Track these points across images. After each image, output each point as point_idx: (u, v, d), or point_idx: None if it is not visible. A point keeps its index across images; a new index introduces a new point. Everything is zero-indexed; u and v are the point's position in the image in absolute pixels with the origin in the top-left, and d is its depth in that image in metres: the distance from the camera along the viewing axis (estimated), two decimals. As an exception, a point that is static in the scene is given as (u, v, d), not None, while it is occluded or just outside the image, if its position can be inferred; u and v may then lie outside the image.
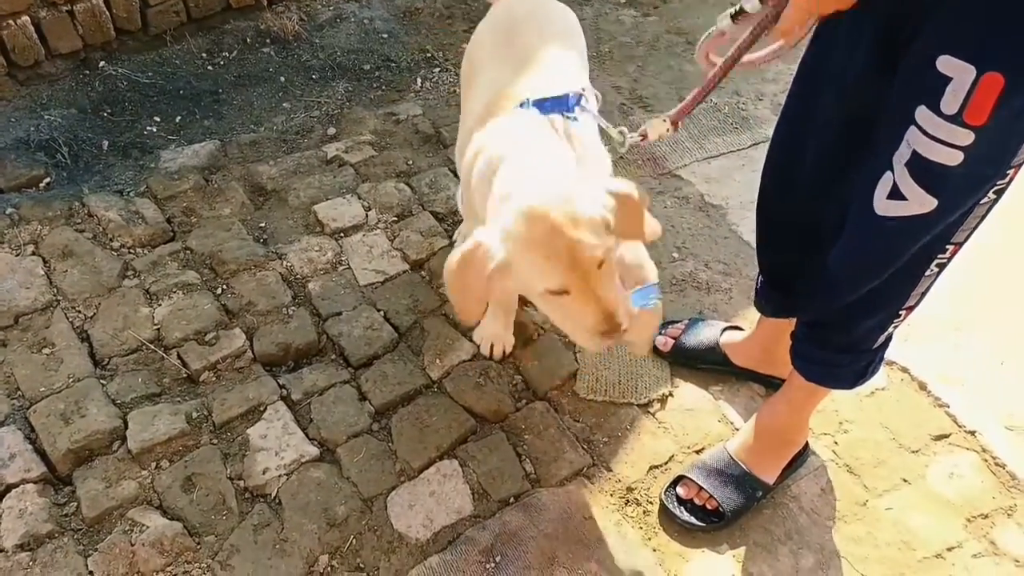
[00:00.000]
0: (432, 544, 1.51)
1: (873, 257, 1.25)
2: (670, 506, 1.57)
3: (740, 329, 1.82)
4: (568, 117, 1.42)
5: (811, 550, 1.55)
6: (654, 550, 1.53)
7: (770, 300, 1.65)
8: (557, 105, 1.42)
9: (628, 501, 1.60)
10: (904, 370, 1.87)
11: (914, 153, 1.09)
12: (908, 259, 1.24)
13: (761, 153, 1.62)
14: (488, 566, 1.48)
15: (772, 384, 1.78)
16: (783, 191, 1.47)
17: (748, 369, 1.80)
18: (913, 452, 1.72)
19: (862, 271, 1.29)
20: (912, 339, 1.92)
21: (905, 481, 1.67)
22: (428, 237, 2.09)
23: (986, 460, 1.72)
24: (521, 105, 1.41)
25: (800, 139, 1.38)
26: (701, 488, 1.56)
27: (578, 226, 1.15)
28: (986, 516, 1.63)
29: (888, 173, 1.14)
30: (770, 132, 1.50)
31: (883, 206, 1.17)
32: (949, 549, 1.57)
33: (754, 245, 1.67)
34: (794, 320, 1.55)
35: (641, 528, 1.56)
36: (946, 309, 2.00)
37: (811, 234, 1.44)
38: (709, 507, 1.56)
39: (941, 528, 1.60)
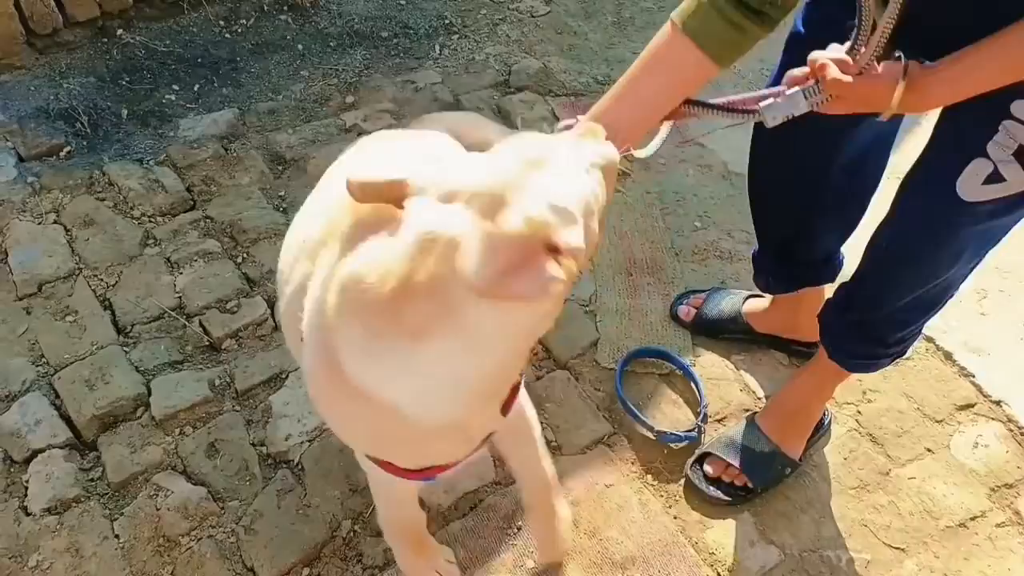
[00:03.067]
0: (454, 510, 1.52)
1: (966, 243, 1.24)
2: (697, 482, 1.55)
3: (762, 296, 1.81)
4: None
5: (833, 519, 1.54)
6: (675, 518, 1.53)
7: (776, 275, 1.66)
8: None
9: (649, 470, 1.60)
10: (929, 340, 1.85)
11: (1020, 146, 1.07)
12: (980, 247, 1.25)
13: (786, 120, 1.59)
14: (509, 532, 1.48)
15: (793, 351, 1.78)
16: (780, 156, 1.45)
17: (771, 335, 1.79)
18: (937, 422, 1.71)
19: (952, 259, 1.26)
20: (938, 309, 1.90)
21: (929, 451, 1.66)
22: (447, 206, 2.08)
23: (1011, 430, 1.70)
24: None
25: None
26: (729, 465, 1.55)
27: None
28: (1011, 486, 1.61)
29: (980, 160, 1.11)
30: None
31: (976, 192, 1.14)
32: (972, 518, 1.56)
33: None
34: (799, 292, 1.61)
35: (662, 496, 1.56)
36: (972, 278, 1.97)
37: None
38: (738, 483, 1.55)
39: (964, 497, 1.59)
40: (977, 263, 1.32)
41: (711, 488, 1.55)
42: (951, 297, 1.38)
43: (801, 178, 1.46)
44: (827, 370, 1.52)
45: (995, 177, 1.11)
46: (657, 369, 1.76)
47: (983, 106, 1.02)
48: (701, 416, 1.64)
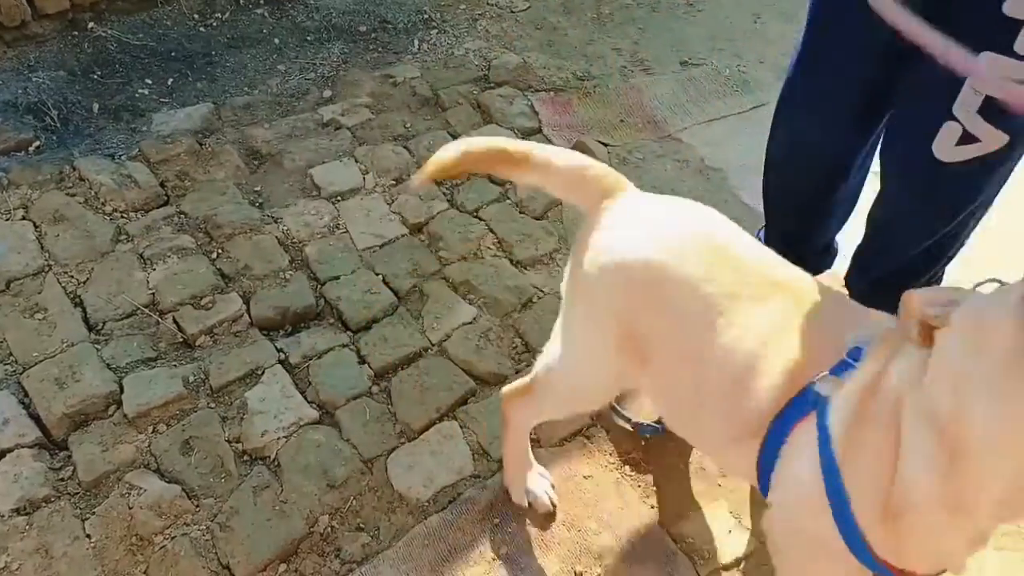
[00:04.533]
0: (432, 504, 1.51)
1: (946, 201, 1.33)
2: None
3: None
4: None
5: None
6: (652, 507, 1.53)
7: None
8: None
9: (627, 461, 1.59)
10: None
11: (985, 99, 1.12)
12: (980, 201, 1.32)
13: (762, 115, 1.61)
14: (488, 525, 1.48)
15: None
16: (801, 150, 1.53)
17: None
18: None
19: (937, 219, 1.36)
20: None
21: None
22: (427, 201, 2.06)
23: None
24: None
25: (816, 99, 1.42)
26: None
27: None
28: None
29: (950, 124, 1.18)
30: (771, 96, 1.49)
31: (950, 153, 1.21)
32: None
33: (754, 208, 1.66)
34: None
35: (640, 487, 1.56)
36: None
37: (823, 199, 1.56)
38: None
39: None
40: (982, 214, 1.40)
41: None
42: (962, 245, 1.48)
43: (811, 185, 1.57)
44: None
45: (968, 138, 1.17)
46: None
47: (945, 73, 1.05)
48: None
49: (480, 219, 2.04)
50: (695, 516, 1.52)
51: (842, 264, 1.76)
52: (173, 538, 1.43)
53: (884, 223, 1.49)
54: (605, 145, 2.30)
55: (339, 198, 2.06)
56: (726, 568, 1.45)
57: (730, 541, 1.48)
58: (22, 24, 2.34)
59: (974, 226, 1.46)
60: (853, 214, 1.72)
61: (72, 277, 1.83)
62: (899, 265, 1.50)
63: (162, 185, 2.04)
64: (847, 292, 1.61)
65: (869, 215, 1.54)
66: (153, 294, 1.80)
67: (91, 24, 2.46)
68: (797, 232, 1.68)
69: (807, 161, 1.53)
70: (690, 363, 1.06)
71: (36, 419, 1.58)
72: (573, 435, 1.62)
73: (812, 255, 1.72)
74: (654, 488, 1.55)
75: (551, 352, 1.28)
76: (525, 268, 1.94)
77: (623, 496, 1.53)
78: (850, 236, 1.72)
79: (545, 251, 1.98)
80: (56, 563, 1.39)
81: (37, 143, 2.13)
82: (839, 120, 1.42)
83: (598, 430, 1.63)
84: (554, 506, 1.48)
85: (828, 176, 1.55)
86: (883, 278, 1.54)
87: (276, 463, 1.54)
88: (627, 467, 1.58)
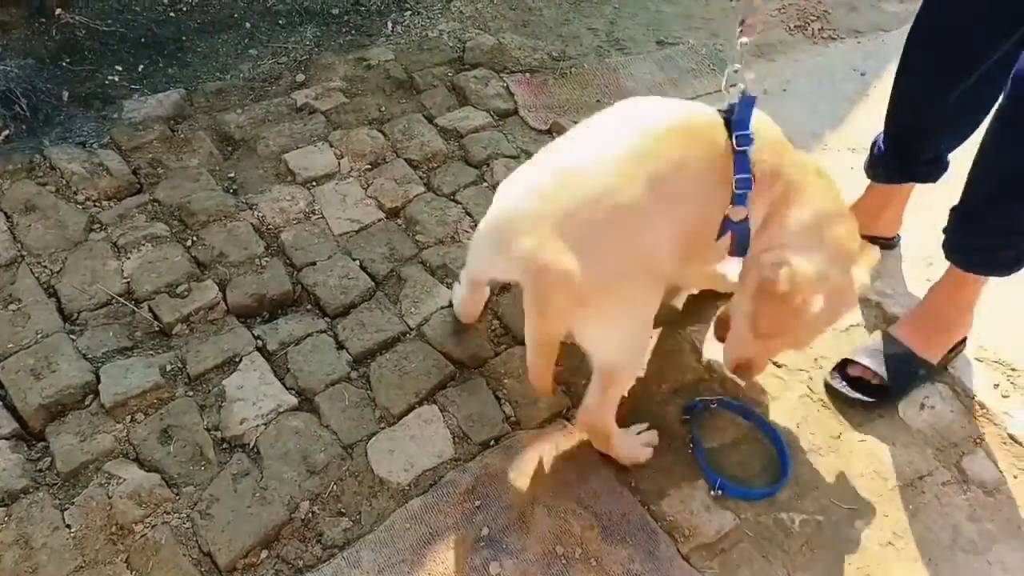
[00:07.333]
0: (414, 488, 1.52)
1: None
2: (837, 386, 1.70)
3: None
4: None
5: (787, 483, 1.58)
6: (632, 487, 1.55)
7: (889, 167, 1.85)
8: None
9: (607, 441, 1.61)
10: (877, 306, 1.89)
11: None
12: None
13: (737, 91, 1.61)
14: (469, 507, 1.49)
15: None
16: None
17: None
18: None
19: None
20: (884, 274, 1.94)
21: (879, 415, 1.70)
22: (403, 184, 2.06)
23: (956, 391, 1.75)
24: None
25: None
26: (867, 367, 1.70)
27: None
28: (956, 445, 1.66)
29: None
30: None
31: None
32: (920, 478, 1.61)
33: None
34: (900, 186, 1.89)
35: (619, 467, 1.57)
36: (918, 245, 2.01)
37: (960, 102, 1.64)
38: (874, 383, 1.69)
39: (912, 458, 1.63)
40: None
41: (851, 390, 1.69)
42: None
43: (938, 75, 1.64)
44: (954, 279, 1.68)
45: None
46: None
47: None
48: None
49: (457, 202, 2.04)
50: (675, 494, 1.54)
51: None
52: (154, 527, 1.43)
53: (986, 152, 1.53)
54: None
55: (314, 183, 2.05)
56: (707, 545, 1.48)
57: (709, 518, 1.51)
58: (-13, 11, 2.30)
59: None
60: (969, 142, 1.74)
61: (45, 267, 1.81)
62: (991, 201, 1.55)
63: (134, 173, 2.02)
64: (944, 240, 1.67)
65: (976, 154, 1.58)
66: (128, 283, 1.79)
67: (59, 10, 2.41)
68: (912, 134, 1.78)
69: (940, 46, 1.61)
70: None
71: (12, 410, 1.57)
72: (553, 417, 1.64)
73: (922, 162, 1.82)
74: (634, 468, 1.57)
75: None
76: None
77: (603, 476, 1.55)
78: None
79: (522, 233, 1.98)
80: (36, 554, 1.39)
81: (6, 132, 2.10)
82: (982, 7, 1.50)
83: (577, 412, 1.64)
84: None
85: (959, 64, 1.60)
86: (973, 210, 1.60)
87: (256, 450, 1.55)
88: (605, 446, 1.60)
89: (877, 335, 1.77)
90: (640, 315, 1.36)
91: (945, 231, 1.65)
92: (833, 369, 1.74)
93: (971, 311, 1.74)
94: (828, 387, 1.72)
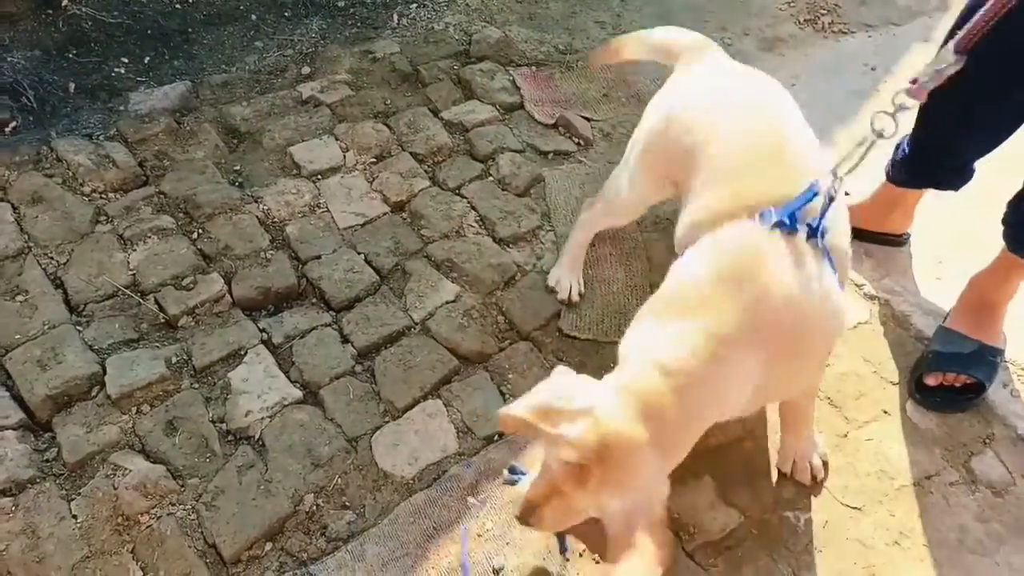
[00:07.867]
0: (417, 481, 1.52)
1: None
2: (927, 403, 1.68)
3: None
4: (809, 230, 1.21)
5: (791, 481, 1.57)
6: (637, 483, 1.54)
7: (912, 171, 1.82)
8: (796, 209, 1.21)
9: (612, 437, 1.60)
10: (886, 303, 1.88)
11: None
12: None
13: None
14: (473, 502, 1.49)
15: (879, 241, 1.99)
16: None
17: (862, 229, 1.92)
18: (893, 384, 1.74)
19: None
20: (893, 272, 1.93)
21: (885, 412, 1.69)
22: (408, 178, 2.05)
23: (965, 391, 1.73)
24: (761, 216, 1.20)
25: None
26: (946, 372, 1.68)
27: None
28: (964, 445, 1.65)
29: None
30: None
31: None
32: (927, 477, 1.60)
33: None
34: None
35: (625, 462, 1.57)
36: (928, 243, 2.00)
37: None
38: (959, 384, 1.68)
39: (919, 457, 1.62)
40: None
41: (940, 402, 1.68)
42: None
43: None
44: (1008, 263, 1.68)
45: None
46: (619, 337, 1.74)
47: None
48: None
49: (462, 196, 2.03)
50: (680, 491, 1.53)
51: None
52: (159, 518, 1.44)
53: None
54: (588, 120, 2.28)
55: (319, 176, 2.04)
56: (712, 543, 1.47)
57: (714, 516, 1.50)
58: (-6, 2, 2.30)
59: None
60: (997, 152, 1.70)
61: (52, 259, 1.81)
62: None
63: (140, 165, 2.02)
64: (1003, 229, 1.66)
65: None
66: (134, 275, 1.79)
67: (65, 2, 2.41)
68: (939, 137, 1.72)
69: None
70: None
71: (19, 401, 1.57)
72: (557, 411, 1.63)
73: (946, 169, 1.78)
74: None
75: (614, 172, 1.68)
76: (508, 246, 1.93)
77: (606, 470, 1.54)
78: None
79: (528, 228, 1.97)
80: (43, 543, 1.39)
81: (14, 124, 2.10)
82: None
83: (581, 406, 1.64)
84: (571, 302, 1.79)
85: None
86: None
87: (261, 443, 1.55)
88: (609, 442, 1.59)
89: (940, 330, 1.76)
90: None
91: (1005, 222, 1.65)
92: (915, 386, 1.71)
93: (1015, 290, 1.76)
94: (917, 402, 1.70)
